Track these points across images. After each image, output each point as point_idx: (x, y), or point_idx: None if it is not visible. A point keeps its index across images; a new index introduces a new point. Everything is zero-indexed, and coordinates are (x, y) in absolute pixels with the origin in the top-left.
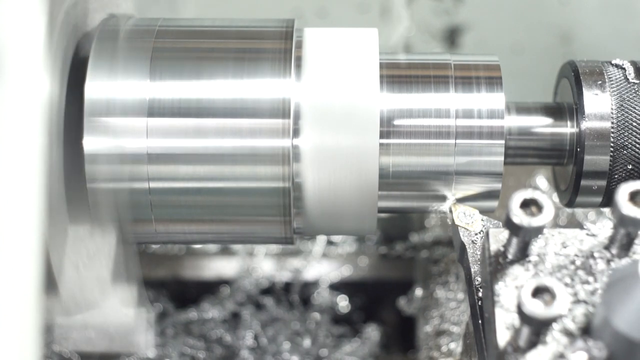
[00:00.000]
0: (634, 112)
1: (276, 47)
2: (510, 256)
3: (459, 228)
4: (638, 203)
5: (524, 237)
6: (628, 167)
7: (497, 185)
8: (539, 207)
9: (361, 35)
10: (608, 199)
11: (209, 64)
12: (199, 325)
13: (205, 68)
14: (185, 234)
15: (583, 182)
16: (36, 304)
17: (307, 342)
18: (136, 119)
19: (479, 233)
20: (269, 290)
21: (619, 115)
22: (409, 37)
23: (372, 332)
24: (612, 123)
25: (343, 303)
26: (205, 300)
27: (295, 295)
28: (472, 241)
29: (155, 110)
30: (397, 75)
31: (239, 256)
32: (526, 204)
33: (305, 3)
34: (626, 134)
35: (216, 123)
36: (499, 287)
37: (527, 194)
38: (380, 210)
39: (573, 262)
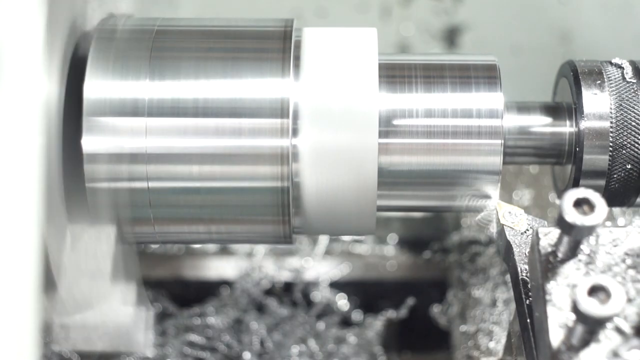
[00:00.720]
0: (632, 111)
1: (275, 47)
2: (560, 255)
3: (505, 227)
4: None
5: (576, 236)
6: (627, 166)
7: (496, 185)
8: (591, 206)
9: (360, 35)
10: (607, 199)
11: (207, 64)
12: (198, 324)
13: (204, 68)
14: (184, 234)
15: (582, 182)
16: (35, 304)
17: (305, 340)
18: (135, 118)
19: (525, 232)
20: (270, 289)
21: (618, 114)
22: (408, 37)
23: (371, 332)
24: (611, 122)
25: (342, 302)
26: (205, 299)
27: (294, 293)
28: (518, 240)
29: (154, 110)
30: (396, 75)
31: (239, 256)
32: (578, 203)
33: (304, 3)
34: (625, 133)
35: (215, 123)
36: (551, 286)
37: (580, 192)
38: (379, 209)
39: (624, 261)
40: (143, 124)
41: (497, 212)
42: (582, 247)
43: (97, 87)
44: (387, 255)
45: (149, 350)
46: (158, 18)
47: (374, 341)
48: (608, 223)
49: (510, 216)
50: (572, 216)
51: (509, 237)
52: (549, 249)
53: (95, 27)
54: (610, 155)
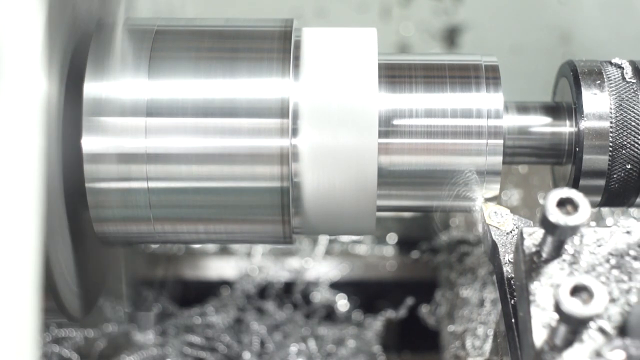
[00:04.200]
0: (632, 111)
1: (275, 47)
2: (544, 255)
3: (490, 227)
4: None
5: (559, 236)
6: (627, 166)
7: (496, 185)
8: (575, 206)
9: (360, 35)
10: (607, 199)
11: (207, 64)
12: (198, 324)
13: (204, 67)
14: (184, 234)
15: (582, 182)
16: (34, 304)
17: (305, 340)
18: (135, 118)
19: (511, 232)
20: (269, 289)
21: (618, 114)
22: (408, 37)
23: (371, 332)
24: (611, 122)
25: (342, 302)
26: (205, 299)
27: (294, 294)
28: (504, 240)
29: (153, 109)
30: (395, 75)
31: (239, 256)
32: (562, 203)
33: (304, 3)
34: (625, 133)
35: (215, 123)
36: (534, 286)
37: (563, 192)
38: (379, 209)
39: (608, 261)
40: (143, 123)
41: (482, 212)
42: (566, 247)
43: (96, 87)
44: (386, 256)
45: (148, 350)
46: (158, 18)
47: (373, 341)
48: (593, 223)
49: (496, 216)
50: (556, 216)
51: (494, 237)
52: (533, 249)
53: (95, 27)
54: (610, 155)
